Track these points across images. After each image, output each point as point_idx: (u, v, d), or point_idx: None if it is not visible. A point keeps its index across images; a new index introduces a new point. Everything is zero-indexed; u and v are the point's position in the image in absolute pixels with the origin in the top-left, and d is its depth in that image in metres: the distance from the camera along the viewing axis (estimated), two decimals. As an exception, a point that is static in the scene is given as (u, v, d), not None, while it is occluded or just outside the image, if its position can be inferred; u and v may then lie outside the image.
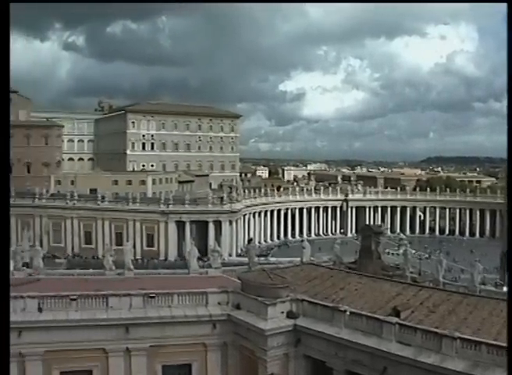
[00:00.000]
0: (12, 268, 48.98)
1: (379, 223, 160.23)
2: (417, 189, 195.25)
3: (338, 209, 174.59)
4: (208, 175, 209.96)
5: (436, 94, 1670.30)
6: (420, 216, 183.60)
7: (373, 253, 55.04)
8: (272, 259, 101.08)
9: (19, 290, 39.61)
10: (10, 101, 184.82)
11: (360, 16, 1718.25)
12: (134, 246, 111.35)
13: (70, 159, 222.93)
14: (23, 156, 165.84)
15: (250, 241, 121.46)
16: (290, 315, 37.20)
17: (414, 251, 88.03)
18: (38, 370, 36.61)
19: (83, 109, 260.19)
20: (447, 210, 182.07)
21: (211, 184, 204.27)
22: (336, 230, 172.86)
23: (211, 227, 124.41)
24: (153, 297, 38.99)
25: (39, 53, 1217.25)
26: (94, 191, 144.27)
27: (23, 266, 49.57)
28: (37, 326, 36.53)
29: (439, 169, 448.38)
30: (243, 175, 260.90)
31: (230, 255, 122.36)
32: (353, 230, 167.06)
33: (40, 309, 37.06)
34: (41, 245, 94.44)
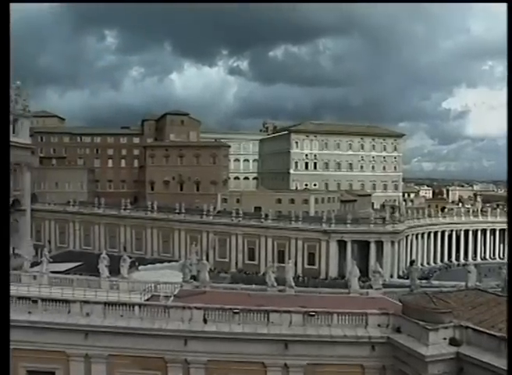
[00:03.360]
0: (180, 280, 52.18)
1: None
2: None
3: (507, 232, 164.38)
4: (370, 195, 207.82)
5: None
6: None
7: (546, 280, 51.30)
8: (435, 283, 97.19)
9: (187, 301, 42.03)
10: (170, 122, 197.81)
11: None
12: (295, 264, 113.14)
13: (236, 178, 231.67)
14: (192, 175, 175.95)
15: (412, 262, 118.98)
16: (453, 342, 35.54)
17: None
18: (201, 378, 38.44)
19: (248, 130, 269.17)
20: None
21: (373, 204, 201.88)
22: (504, 255, 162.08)
23: (373, 248, 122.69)
24: (313, 315, 39.37)
25: (208, 79, 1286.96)
26: (258, 208, 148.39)
27: (190, 278, 52.35)
28: (202, 337, 38.39)
29: None
30: (405, 195, 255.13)
31: (391, 277, 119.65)
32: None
33: (205, 320, 38.92)
34: (207, 259, 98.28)
